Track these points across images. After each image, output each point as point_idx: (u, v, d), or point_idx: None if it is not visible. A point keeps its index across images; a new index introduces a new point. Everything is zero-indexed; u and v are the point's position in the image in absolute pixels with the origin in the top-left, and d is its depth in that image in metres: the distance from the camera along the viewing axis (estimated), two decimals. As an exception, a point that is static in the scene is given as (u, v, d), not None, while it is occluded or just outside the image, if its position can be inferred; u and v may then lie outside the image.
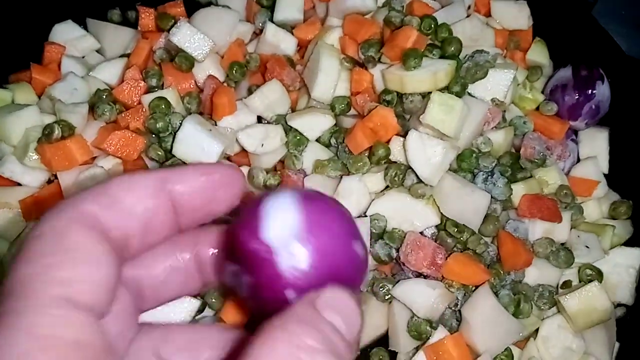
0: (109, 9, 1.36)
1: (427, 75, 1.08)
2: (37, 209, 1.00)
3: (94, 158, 1.08)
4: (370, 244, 1.03)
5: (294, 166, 1.11)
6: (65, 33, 1.26)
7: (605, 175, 1.20)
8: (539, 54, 1.30)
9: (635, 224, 1.16)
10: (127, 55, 1.23)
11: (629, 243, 1.14)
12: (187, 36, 1.14)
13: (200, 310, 0.94)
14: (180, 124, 1.06)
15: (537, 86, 1.26)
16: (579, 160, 1.23)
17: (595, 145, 1.22)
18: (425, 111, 1.04)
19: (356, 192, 1.05)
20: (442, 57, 1.14)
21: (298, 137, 1.12)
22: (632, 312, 1.11)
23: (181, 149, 1.03)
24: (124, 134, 1.03)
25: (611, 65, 1.24)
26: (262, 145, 1.09)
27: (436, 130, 1.04)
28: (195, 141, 1.02)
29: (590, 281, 1.03)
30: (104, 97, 1.09)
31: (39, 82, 1.16)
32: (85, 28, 1.30)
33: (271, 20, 1.28)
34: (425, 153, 1.03)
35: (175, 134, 1.06)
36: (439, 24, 1.18)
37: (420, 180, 1.05)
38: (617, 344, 1.07)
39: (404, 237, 1.02)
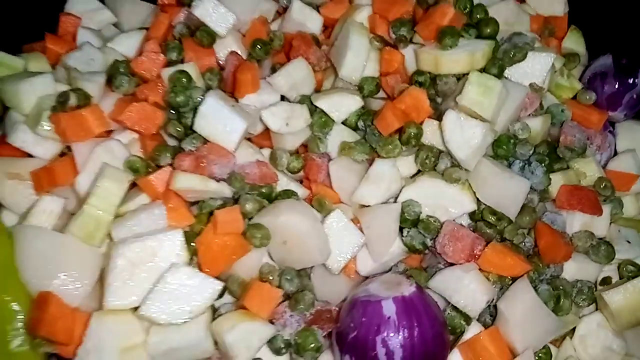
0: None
1: (464, 55, 1.02)
2: (49, 182, 0.94)
3: (111, 132, 1.02)
4: (403, 232, 0.97)
5: (318, 149, 1.05)
6: (82, 4, 1.21)
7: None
8: (575, 42, 1.25)
9: (676, 222, 1.11)
10: (146, 29, 1.18)
11: (670, 241, 1.08)
12: (209, 9, 1.09)
13: (221, 295, 0.89)
14: (202, 98, 1.00)
15: (574, 74, 1.20)
16: (616, 153, 1.17)
17: (634, 138, 1.18)
18: (462, 92, 0.98)
19: (388, 177, 0.99)
20: (478, 37, 1.08)
21: (324, 119, 1.06)
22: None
23: (202, 124, 0.97)
24: (143, 106, 0.97)
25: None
26: (287, 124, 1.03)
27: (473, 112, 0.98)
28: (217, 117, 0.96)
29: (634, 277, 0.97)
30: (122, 68, 1.03)
31: (53, 52, 1.11)
32: (102, 1, 1.25)
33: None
34: (463, 134, 0.97)
35: (196, 109, 1.00)
36: (474, 4, 1.13)
37: (454, 164, 0.99)
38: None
39: (440, 227, 0.96)
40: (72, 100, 0.94)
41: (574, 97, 1.17)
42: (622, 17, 1.25)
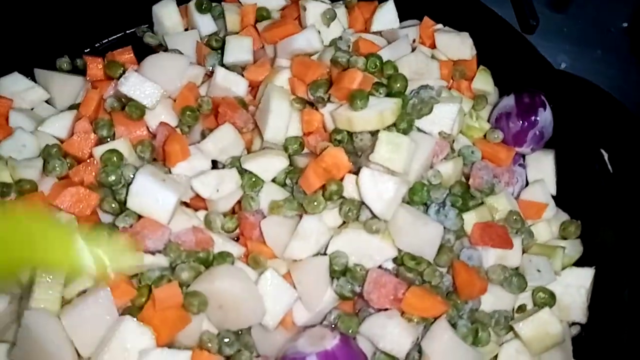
0: (58, 57, 1.37)
1: (374, 115, 1.10)
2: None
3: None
4: (333, 282, 1.05)
5: (250, 207, 1.12)
6: (12, 86, 1.25)
7: (553, 196, 1.25)
8: (483, 82, 1.35)
9: (585, 243, 1.21)
10: (78, 106, 1.23)
11: (579, 263, 1.18)
12: (136, 85, 1.15)
13: None
14: (133, 176, 1.06)
15: (483, 115, 1.30)
16: (527, 184, 1.27)
17: (542, 168, 1.27)
18: (374, 150, 1.07)
19: (315, 232, 1.07)
20: (388, 94, 1.17)
21: (253, 179, 1.13)
22: (587, 330, 1.14)
23: (135, 201, 1.03)
24: (77, 190, 1.03)
25: (552, 87, 1.29)
26: (217, 190, 1.10)
27: (385, 168, 1.07)
28: (149, 193, 1.02)
29: (544, 305, 1.06)
30: (54, 152, 1.09)
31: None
32: (34, 79, 1.29)
33: (221, 63, 1.29)
34: (377, 189, 1.05)
35: (128, 186, 1.06)
36: (384, 61, 1.22)
37: (374, 216, 1.07)
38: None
39: (366, 274, 1.04)
40: (14, 193, 0.99)
41: (485, 136, 1.27)
42: (524, 55, 1.35)
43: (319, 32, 1.27)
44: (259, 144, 1.22)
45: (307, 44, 1.24)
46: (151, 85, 1.16)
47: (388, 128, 1.12)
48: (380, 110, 1.11)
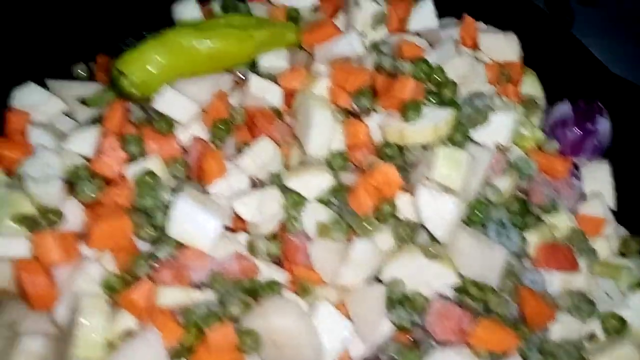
0: (72, 64, 1.27)
1: (428, 127, 1.03)
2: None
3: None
4: (390, 312, 0.97)
5: (294, 229, 1.03)
6: (27, 97, 1.15)
7: (612, 211, 1.17)
8: (531, 86, 1.27)
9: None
10: (100, 119, 1.13)
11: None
12: (171, 102, 1.06)
13: None
14: (171, 198, 0.97)
15: (535, 122, 1.22)
16: (583, 196, 1.19)
17: (599, 180, 1.19)
18: (430, 167, 0.99)
19: (368, 256, 0.99)
20: (440, 102, 1.09)
21: (296, 199, 1.04)
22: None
23: (176, 229, 0.94)
24: (110, 224, 0.93)
25: (608, 93, 1.21)
26: (260, 212, 1.02)
27: (444, 186, 0.99)
28: (191, 220, 0.94)
29: (616, 332, 0.99)
30: (83, 173, 0.99)
31: (6, 158, 1.05)
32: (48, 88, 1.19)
33: (253, 69, 1.20)
34: (437, 210, 0.97)
35: (166, 209, 0.97)
36: (432, 66, 1.13)
37: (432, 238, 0.99)
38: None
39: (427, 302, 0.96)
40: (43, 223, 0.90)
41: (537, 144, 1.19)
42: (575, 57, 1.27)
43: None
44: (297, 158, 1.13)
45: (350, 49, 1.15)
46: (187, 101, 1.07)
47: (442, 140, 1.04)
48: (435, 121, 1.03)
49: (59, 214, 0.93)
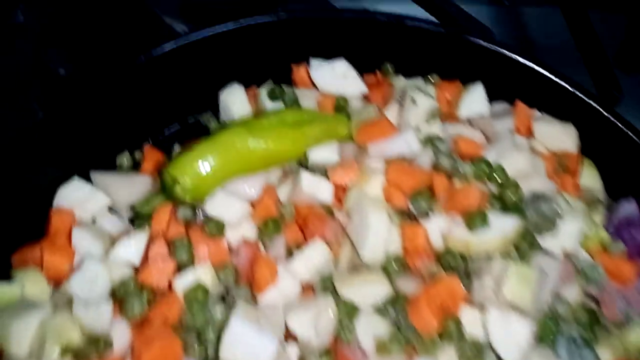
0: (116, 153, 1.23)
1: (496, 238, 0.97)
2: None
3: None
4: None
5: (347, 340, 0.97)
6: (72, 194, 1.11)
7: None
8: (591, 179, 1.21)
9: None
10: (144, 215, 1.09)
11: None
12: (222, 205, 1.03)
13: None
14: (222, 316, 0.92)
15: (598, 221, 1.16)
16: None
17: (667, 282, 1.12)
18: (499, 283, 0.93)
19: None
20: (502, 206, 1.03)
21: (350, 308, 0.99)
22: None
23: (231, 352, 0.88)
24: (161, 348, 0.88)
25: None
26: (315, 327, 0.96)
27: (514, 305, 0.93)
28: (245, 342, 0.88)
29: None
30: (132, 288, 0.95)
31: (51, 265, 1.01)
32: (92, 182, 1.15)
33: (302, 162, 1.16)
34: (508, 332, 0.91)
35: (217, 325, 0.92)
36: (492, 166, 1.08)
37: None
38: None
39: None
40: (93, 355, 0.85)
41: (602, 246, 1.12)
42: (630, 147, 1.21)
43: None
44: (347, 259, 1.07)
45: (407, 149, 1.10)
46: (237, 202, 1.03)
47: (508, 251, 0.99)
48: (504, 232, 0.97)
49: (109, 343, 0.88)
